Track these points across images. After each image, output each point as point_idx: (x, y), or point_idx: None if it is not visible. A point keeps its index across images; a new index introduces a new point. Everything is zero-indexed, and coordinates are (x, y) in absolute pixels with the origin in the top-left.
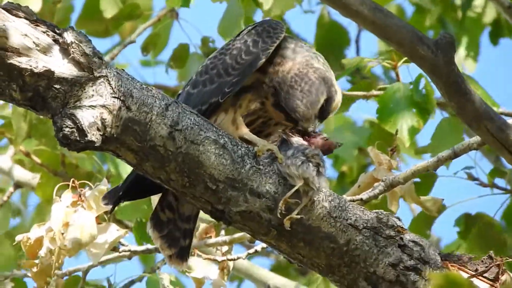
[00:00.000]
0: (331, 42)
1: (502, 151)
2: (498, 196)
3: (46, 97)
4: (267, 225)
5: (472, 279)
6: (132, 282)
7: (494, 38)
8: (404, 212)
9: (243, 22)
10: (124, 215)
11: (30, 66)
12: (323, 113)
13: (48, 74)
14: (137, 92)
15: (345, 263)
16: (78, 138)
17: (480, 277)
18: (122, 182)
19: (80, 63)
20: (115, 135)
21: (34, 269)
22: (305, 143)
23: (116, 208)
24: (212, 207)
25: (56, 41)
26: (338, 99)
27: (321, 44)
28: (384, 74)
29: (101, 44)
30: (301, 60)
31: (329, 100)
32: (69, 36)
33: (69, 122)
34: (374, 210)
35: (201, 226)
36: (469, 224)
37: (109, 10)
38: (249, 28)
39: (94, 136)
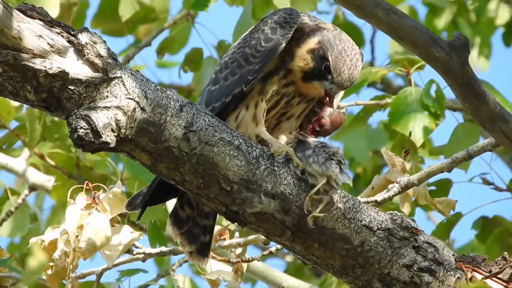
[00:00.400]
0: None
1: None
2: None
3: (60, 98)
4: (281, 226)
5: (486, 280)
6: (147, 284)
7: (507, 39)
8: (420, 217)
9: None
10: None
11: (45, 67)
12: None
13: (62, 75)
14: (151, 93)
15: (360, 264)
16: (92, 139)
17: (494, 278)
18: (146, 187)
19: (95, 64)
20: (129, 136)
21: (49, 272)
22: (324, 142)
23: (131, 211)
24: (227, 208)
25: (70, 42)
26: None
27: None
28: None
29: (117, 43)
30: (332, 25)
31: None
32: (83, 37)
33: (83, 123)
34: (388, 211)
35: (216, 228)
36: (486, 227)
37: (126, 14)
38: (264, 19)
39: (108, 137)
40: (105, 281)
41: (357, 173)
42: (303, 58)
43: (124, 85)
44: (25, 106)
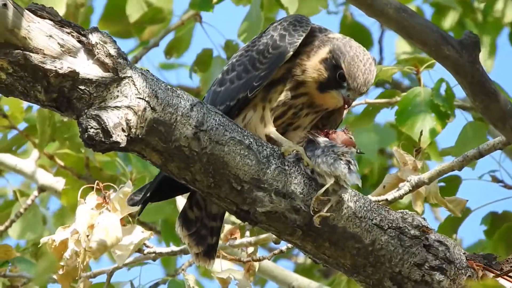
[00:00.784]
0: None
1: None
2: None
3: (71, 98)
4: (292, 225)
5: (497, 279)
6: (157, 284)
7: None
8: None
9: (262, 26)
10: (148, 217)
11: (55, 67)
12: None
13: (72, 75)
14: (162, 92)
15: (371, 263)
16: (103, 139)
17: (505, 277)
18: (149, 183)
19: (105, 64)
20: (140, 136)
21: (60, 272)
22: (333, 141)
23: (132, 206)
24: (238, 207)
25: (81, 42)
26: None
27: None
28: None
29: (124, 45)
30: (341, 35)
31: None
32: (94, 37)
33: (94, 123)
34: (399, 210)
35: (226, 227)
36: (495, 222)
37: (134, 14)
38: (274, 24)
39: (119, 137)
40: (116, 281)
41: (365, 174)
42: (316, 69)
43: (135, 85)
44: (35, 107)
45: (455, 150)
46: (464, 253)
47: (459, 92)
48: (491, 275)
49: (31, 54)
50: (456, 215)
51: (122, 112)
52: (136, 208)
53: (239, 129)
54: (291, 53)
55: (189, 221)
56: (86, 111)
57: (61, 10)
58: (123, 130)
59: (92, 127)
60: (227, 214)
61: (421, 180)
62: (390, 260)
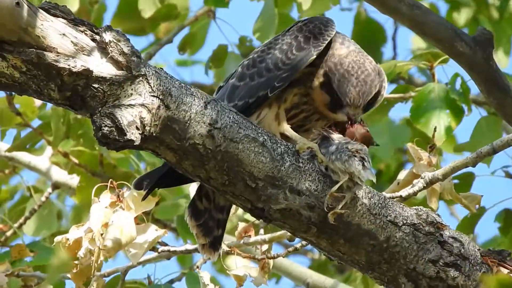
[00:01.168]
0: (367, 40)
1: None
2: None
3: (84, 97)
4: (307, 222)
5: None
6: (172, 281)
7: None
8: (443, 213)
9: (277, 22)
10: (164, 214)
11: (69, 65)
12: (368, 105)
13: (86, 74)
14: (175, 90)
15: (385, 260)
16: (117, 137)
17: None
18: (158, 168)
19: (119, 62)
20: (154, 134)
21: (74, 270)
22: (347, 138)
23: (154, 208)
24: (252, 205)
25: (94, 40)
26: (384, 94)
27: (358, 41)
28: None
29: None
30: (354, 48)
31: (377, 94)
32: (107, 35)
33: (108, 121)
34: (414, 207)
35: (240, 225)
36: (510, 219)
37: (147, 10)
38: (300, 24)
39: (133, 135)
40: (130, 279)
41: (380, 169)
42: (319, 93)
43: (148, 83)
44: (48, 105)
45: (470, 145)
46: (478, 249)
47: (473, 88)
48: (506, 271)
49: (44, 52)
50: (471, 211)
51: (136, 110)
52: (150, 207)
53: (253, 127)
54: (315, 56)
55: (198, 211)
56: (100, 109)
57: (74, 8)
58: (137, 128)
59: (106, 125)
60: (241, 211)
61: (435, 176)
62: (404, 257)
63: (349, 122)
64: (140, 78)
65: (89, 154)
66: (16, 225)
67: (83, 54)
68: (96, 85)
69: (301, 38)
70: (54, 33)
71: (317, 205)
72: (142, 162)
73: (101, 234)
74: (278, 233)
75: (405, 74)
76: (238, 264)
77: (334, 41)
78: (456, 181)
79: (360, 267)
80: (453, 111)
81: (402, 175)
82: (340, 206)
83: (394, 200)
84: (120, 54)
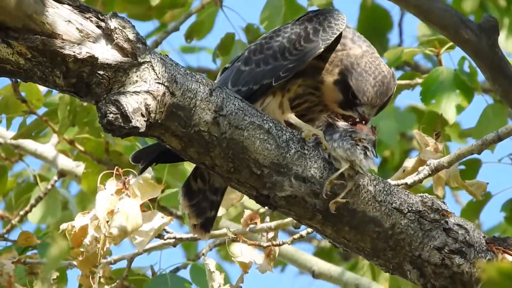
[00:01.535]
0: (374, 26)
1: None
2: None
3: (90, 83)
4: (312, 209)
5: None
6: (177, 269)
7: None
8: (449, 200)
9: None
10: (169, 202)
11: (74, 52)
12: (380, 108)
13: (91, 60)
14: (181, 77)
15: (390, 247)
16: (122, 124)
17: None
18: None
19: (124, 49)
20: (159, 121)
21: (80, 258)
22: (353, 126)
23: (159, 195)
24: (257, 192)
25: (99, 27)
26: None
27: (364, 28)
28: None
29: (143, 27)
30: (368, 49)
31: (390, 96)
32: (112, 22)
33: (113, 108)
34: (419, 194)
35: (246, 212)
36: None
37: None
38: (310, 14)
39: (138, 122)
40: (137, 266)
41: (385, 157)
42: (331, 90)
43: (154, 70)
44: (54, 92)
45: (476, 132)
46: (483, 236)
47: (479, 75)
48: (511, 258)
49: (49, 39)
50: (477, 198)
51: (141, 97)
52: (156, 194)
53: (259, 114)
54: (322, 49)
55: (192, 191)
56: (105, 96)
57: None
58: (142, 115)
59: (111, 112)
60: (246, 198)
61: (441, 164)
62: (410, 244)
63: (362, 122)
64: (146, 65)
65: (95, 142)
66: (22, 212)
67: (89, 40)
68: (101, 72)
69: (310, 29)
70: (60, 19)
71: (323, 191)
72: None
73: (107, 222)
74: (284, 220)
75: (412, 60)
76: (243, 252)
77: (344, 36)
78: (462, 167)
79: (365, 254)
80: (463, 91)
81: (407, 162)
82: (341, 196)
83: (399, 187)
84: (125, 41)
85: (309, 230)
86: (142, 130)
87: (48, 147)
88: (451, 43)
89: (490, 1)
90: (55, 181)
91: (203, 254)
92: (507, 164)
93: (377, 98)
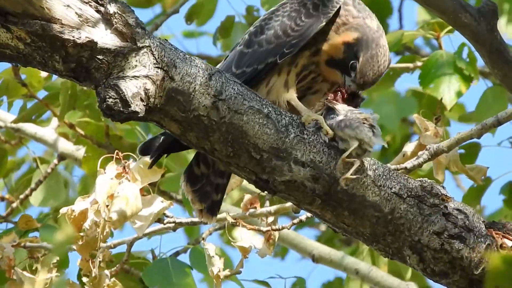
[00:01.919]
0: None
1: None
2: None
3: (89, 68)
4: (311, 194)
5: None
6: (177, 253)
7: None
8: (449, 187)
9: None
10: (169, 186)
11: (73, 37)
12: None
13: (91, 45)
14: (180, 62)
15: (390, 232)
16: (121, 109)
17: None
18: (163, 133)
19: (123, 33)
20: (158, 106)
21: (80, 242)
22: (352, 108)
23: (159, 179)
24: (257, 177)
25: (99, 11)
26: None
27: None
28: (426, 44)
29: (144, 14)
30: (380, 29)
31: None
32: (112, 7)
33: (112, 93)
34: (418, 179)
35: (246, 197)
36: None
37: None
38: None
39: (137, 106)
40: (136, 250)
41: (386, 142)
42: (336, 46)
43: (153, 54)
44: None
45: (476, 115)
46: (483, 221)
47: (479, 59)
48: (510, 243)
49: (49, 24)
50: (477, 182)
51: (141, 81)
52: (156, 178)
53: (258, 98)
54: (324, 23)
55: (194, 177)
56: (104, 80)
57: None
58: (141, 100)
59: (110, 97)
60: (245, 182)
61: (440, 148)
62: (409, 229)
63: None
64: (145, 49)
65: (95, 125)
66: (22, 196)
67: (88, 25)
68: (100, 57)
69: (310, 5)
70: (59, 4)
71: (322, 176)
72: (149, 134)
73: (107, 206)
74: (284, 205)
75: (411, 43)
76: (243, 236)
77: (346, 3)
78: (462, 151)
79: (364, 239)
80: (462, 76)
81: (408, 147)
82: (351, 171)
83: (399, 171)
84: (124, 26)
85: (309, 215)
86: (141, 114)
87: (48, 131)
88: (451, 27)
89: None
90: (55, 164)
91: (203, 239)
92: (506, 147)
93: (370, 85)
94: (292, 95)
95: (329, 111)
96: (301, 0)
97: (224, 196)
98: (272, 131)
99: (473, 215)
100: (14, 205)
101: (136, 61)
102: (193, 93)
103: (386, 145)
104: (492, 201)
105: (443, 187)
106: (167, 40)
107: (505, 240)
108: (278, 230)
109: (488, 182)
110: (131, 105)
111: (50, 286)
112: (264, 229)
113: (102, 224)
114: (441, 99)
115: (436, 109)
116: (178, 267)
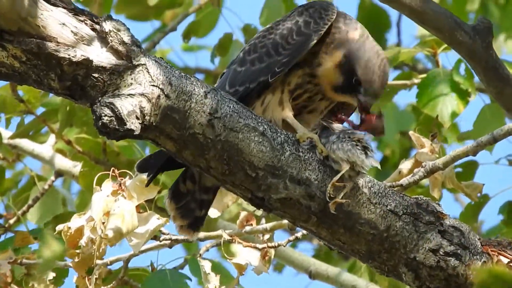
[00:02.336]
0: (372, 26)
1: None
2: None
3: (84, 86)
4: (307, 211)
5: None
6: (175, 269)
7: None
8: (448, 201)
9: (283, 11)
10: None
11: (69, 55)
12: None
13: (86, 63)
14: (175, 80)
15: (385, 249)
16: (117, 127)
17: None
18: (159, 151)
19: (119, 51)
20: (154, 124)
21: (76, 259)
22: (347, 127)
23: (156, 196)
24: (252, 194)
25: (94, 30)
26: None
27: None
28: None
29: (142, 28)
30: (363, 31)
31: None
32: (107, 25)
33: (108, 111)
34: (414, 196)
35: (242, 214)
36: None
37: None
38: (300, 8)
39: (133, 124)
40: (133, 266)
41: (385, 155)
42: (330, 73)
43: (148, 72)
44: None
45: (474, 133)
46: (479, 239)
47: (475, 77)
48: (506, 260)
49: (44, 42)
50: (473, 199)
51: (136, 99)
52: (152, 195)
53: (253, 116)
54: (315, 41)
55: (179, 194)
56: (100, 99)
57: None
58: (137, 118)
59: (106, 115)
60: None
61: (436, 165)
62: (405, 246)
63: (365, 111)
64: (140, 67)
65: (93, 142)
66: (19, 212)
67: (83, 43)
68: (96, 75)
69: (302, 23)
70: (54, 22)
71: (317, 194)
72: (147, 149)
73: (103, 223)
74: (280, 222)
75: (409, 60)
76: (239, 253)
77: (337, 20)
78: (459, 169)
79: (360, 256)
80: (459, 95)
81: (403, 164)
82: (341, 196)
83: (395, 189)
84: (120, 44)
85: (305, 232)
86: (137, 132)
87: (45, 147)
88: None
89: (491, 1)
90: (53, 181)
91: (200, 255)
92: (504, 165)
93: (382, 89)
94: (287, 113)
95: (324, 130)
96: (294, 18)
97: (220, 214)
98: (268, 149)
99: (469, 232)
100: (11, 221)
101: (132, 79)
102: (188, 111)
103: (379, 167)
104: (490, 217)
105: (439, 204)
106: (162, 58)
107: (501, 257)
108: (274, 247)
109: (486, 199)
110: (127, 123)
111: None
112: (260, 246)
113: (98, 241)
114: (437, 116)
115: (432, 126)
116: (177, 278)
